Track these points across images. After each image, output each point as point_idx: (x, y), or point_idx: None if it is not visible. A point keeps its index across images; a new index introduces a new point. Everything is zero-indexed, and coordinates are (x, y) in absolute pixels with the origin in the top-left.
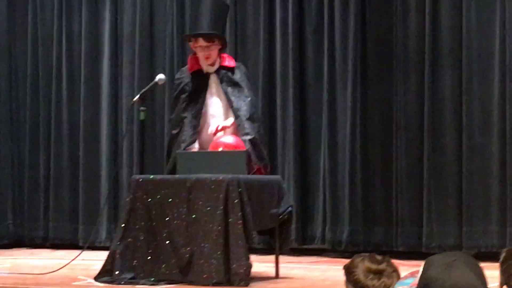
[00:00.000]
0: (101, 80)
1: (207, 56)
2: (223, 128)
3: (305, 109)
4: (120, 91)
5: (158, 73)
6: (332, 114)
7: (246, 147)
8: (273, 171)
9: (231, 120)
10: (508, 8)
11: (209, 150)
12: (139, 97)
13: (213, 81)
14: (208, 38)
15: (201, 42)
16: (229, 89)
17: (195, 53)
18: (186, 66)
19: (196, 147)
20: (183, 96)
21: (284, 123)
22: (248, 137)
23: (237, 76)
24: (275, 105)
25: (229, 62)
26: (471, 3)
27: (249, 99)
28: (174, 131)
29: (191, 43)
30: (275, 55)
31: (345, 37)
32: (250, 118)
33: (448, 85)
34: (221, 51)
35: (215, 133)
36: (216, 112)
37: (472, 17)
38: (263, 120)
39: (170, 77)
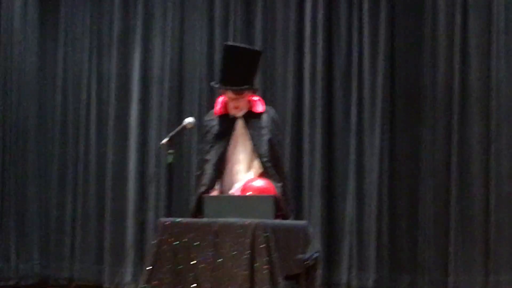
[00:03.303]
0: (130, 122)
1: (236, 106)
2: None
3: (332, 154)
4: (148, 133)
5: (187, 116)
6: (360, 160)
7: (278, 192)
8: (299, 216)
9: (254, 172)
10: None
11: (239, 193)
12: (167, 140)
13: (240, 125)
14: (237, 91)
15: (230, 94)
16: (255, 134)
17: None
18: (214, 109)
19: (215, 193)
20: (209, 138)
21: (311, 168)
22: (280, 184)
23: (264, 121)
24: (302, 149)
25: (257, 107)
26: (501, 51)
27: (273, 142)
28: (197, 173)
29: (220, 90)
30: (303, 100)
31: (374, 83)
32: (276, 165)
33: (476, 132)
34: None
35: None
36: (240, 157)
37: (501, 65)
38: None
39: (199, 120)
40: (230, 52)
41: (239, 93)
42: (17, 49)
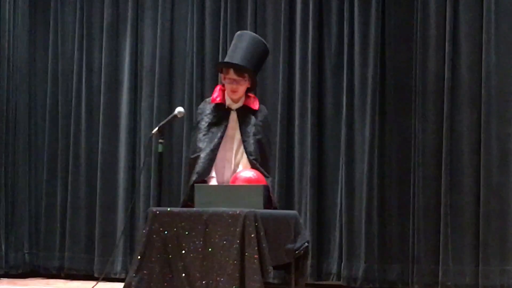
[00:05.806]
0: (120, 112)
1: (235, 89)
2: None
3: (322, 145)
4: (138, 123)
5: (177, 106)
6: (350, 149)
7: (269, 184)
8: (290, 206)
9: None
10: None
11: (229, 183)
12: (158, 130)
13: (233, 118)
14: (239, 72)
15: (231, 74)
16: (245, 130)
17: (224, 84)
18: (210, 97)
19: (212, 181)
20: (202, 126)
21: (301, 158)
22: (269, 178)
23: (257, 119)
24: (293, 140)
25: (253, 103)
26: (491, 42)
27: (262, 142)
28: (192, 156)
29: (222, 75)
30: (294, 90)
31: (364, 74)
32: (262, 164)
33: (466, 123)
34: (249, 90)
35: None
36: (232, 150)
37: (491, 56)
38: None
39: (189, 110)
40: (243, 36)
41: (240, 74)
42: (6, 39)
